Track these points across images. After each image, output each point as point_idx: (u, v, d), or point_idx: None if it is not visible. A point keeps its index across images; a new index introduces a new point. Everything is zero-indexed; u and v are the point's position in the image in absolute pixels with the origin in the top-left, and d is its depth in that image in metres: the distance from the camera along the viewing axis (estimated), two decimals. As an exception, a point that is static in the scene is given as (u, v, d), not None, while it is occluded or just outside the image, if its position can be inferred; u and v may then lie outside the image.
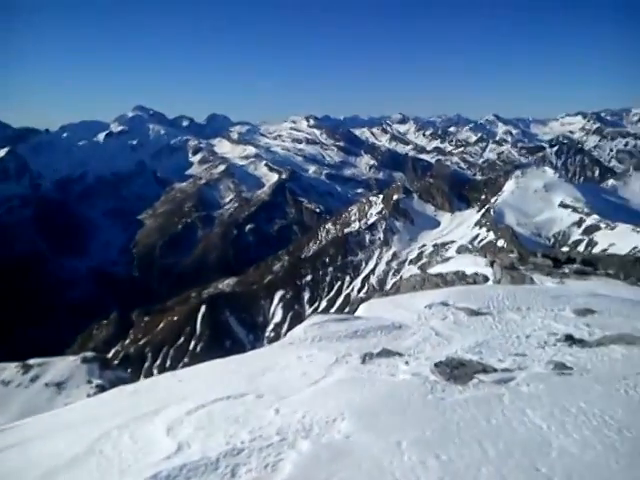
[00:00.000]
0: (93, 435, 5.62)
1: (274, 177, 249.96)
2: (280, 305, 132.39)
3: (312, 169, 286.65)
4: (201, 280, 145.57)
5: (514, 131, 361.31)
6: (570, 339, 7.62)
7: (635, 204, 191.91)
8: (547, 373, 6.01)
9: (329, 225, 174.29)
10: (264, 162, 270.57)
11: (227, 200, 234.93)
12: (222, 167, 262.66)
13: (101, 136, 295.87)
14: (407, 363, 6.89)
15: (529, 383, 5.58)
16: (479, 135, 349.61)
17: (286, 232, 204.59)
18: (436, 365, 6.34)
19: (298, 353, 8.25)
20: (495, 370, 6.17)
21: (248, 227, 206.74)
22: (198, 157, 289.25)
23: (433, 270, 33.41)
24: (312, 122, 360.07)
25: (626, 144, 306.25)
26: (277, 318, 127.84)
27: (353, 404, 5.35)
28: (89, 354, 48.30)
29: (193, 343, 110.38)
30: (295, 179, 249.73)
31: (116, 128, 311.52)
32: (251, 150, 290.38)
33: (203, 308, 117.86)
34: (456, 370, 6.13)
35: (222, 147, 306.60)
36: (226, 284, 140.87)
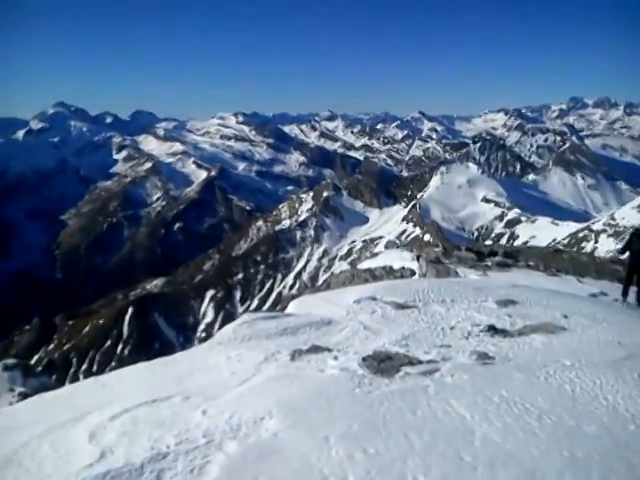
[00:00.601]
0: (10, 446, 5.33)
1: (203, 174, 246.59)
2: (211, 305, 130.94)
3: (242, 166, 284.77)
4: (128, 281, 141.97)
5: (439, 128, 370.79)
6: (492, 329, 7.84)
7: (554, 198, 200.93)
8: (470, 363, 6.16)
9: (260, 223, 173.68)
10: (192, 159, 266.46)
11: (154, 198, 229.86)
12: (148, 164, 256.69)
13: (20, 133, 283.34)
14: (336, 358, 6.90)
15: (453, 374, 5.69)
16: (405, 132, 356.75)
17: (216, 230, 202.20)
18: (364, 359, 6.38)
19: (227, 353, 8.11)
20: (421, 362, 6.26)
21: (177, 226, 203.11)
22: (123, 154, 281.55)
23: (362, 266, 33.88)
24: (241, 119, 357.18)
25: (546, 140, 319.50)
26: (208, 318, 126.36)
27: (281, 402, 5.30)
28: (10, 361, 46.03)
29: (120, 346, 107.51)
30: (224, 176, 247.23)
31: (36, 125, 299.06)
32: (178, 147, 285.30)
33: (130, 310, 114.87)
34: (383, 363, 6.18)
35: (148, 144, 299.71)
36: (154, 285, 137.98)
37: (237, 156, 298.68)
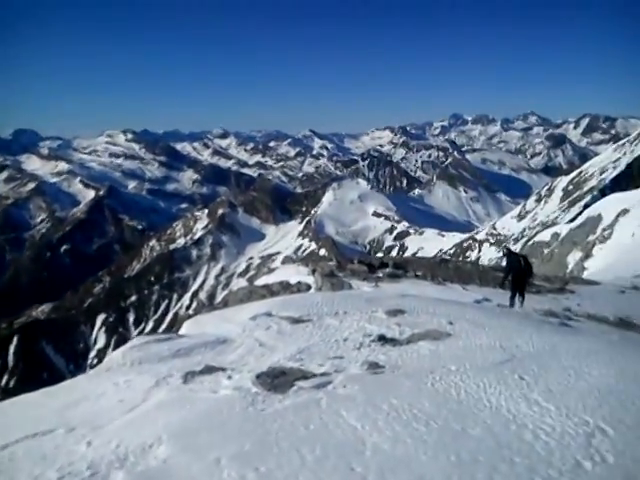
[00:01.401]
0: None
1: (91, 194, 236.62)
2: (103, 329, 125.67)
3: (132, 185, 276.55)
4: (12, 309, 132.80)
5: (329, 145, 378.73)
6: (383, 339, 8.02)
7: (439, 210, 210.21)
8: (362, 373, 6.25)
9: (153, 242, 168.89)
10: (79, 178, 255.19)
11: (38, 220, 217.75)
12: (32, 185, 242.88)
13: None
14: (230, 377, 6.78)
15: (345, 385, 5.75)
16: (298, 149, 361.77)
17: (106, 251, 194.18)
18: (258, 377, 6.31)
19: (115, 379, 7.77)
20: (315, 375, 6.28)
21: (64, 248, 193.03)
22: (4, 175, 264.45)
23: (260, 282, 33.66)
24: (130, 136, 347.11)
25: (429, 155, 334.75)
26: (100, 343, 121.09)
27: (171, 426, 5.12)
28: None
29: (5, 378, 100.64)
30: (114, 195, 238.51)
31: None
32: (64, 166, 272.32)
33: (15, 339, 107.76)
34: (277, 379, 6.14)
35: (31, 164, 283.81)
36: (41, 311, 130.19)
37: (127, 174, 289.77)
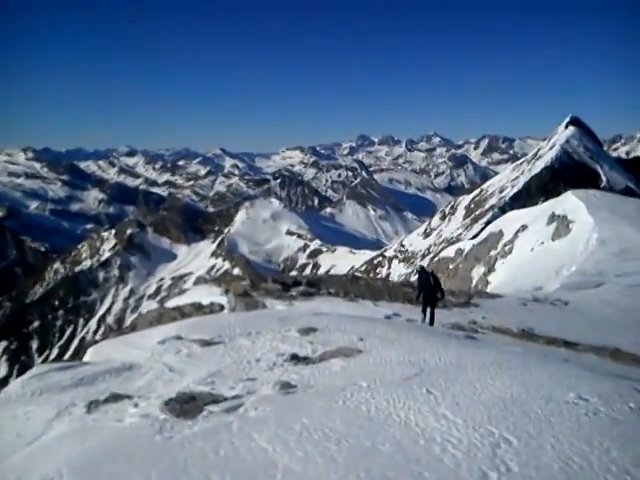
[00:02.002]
0: None
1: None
2: (4, 358, 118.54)
3: (34, 205, 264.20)
4: None
5: (240, 164, 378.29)
6: (295, 358, 7.99)
7: (350, 229, 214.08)
8: (274, 394, 6.18)
9: (57, 264, 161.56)
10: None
11: None
12: None
13: None
14: (136, 405, 6.52)
15: (257, 407, 5.66)
16: (208, 168, 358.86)
17: (7, 275, 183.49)
18: (166, 403, 6.10)
19: (13, 411, 7.28)
20: (226, 399, 6.15)
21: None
22: None
23: (170, 303, 32.81)
24: (30, 155, 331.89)
25: (339, 175, 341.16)
26: (1, 373, 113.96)
27: (73, 459, 4.85)
28: None
29: None
30: (15, 216, 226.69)
31: None
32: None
33: None
34: (186, 405, 5.97)
35: None
36: None
37: (28, 194, 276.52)
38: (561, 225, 42.39)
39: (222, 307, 24.04)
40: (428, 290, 14.93)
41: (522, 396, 5.58)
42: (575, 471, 3.94)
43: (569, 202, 45.64)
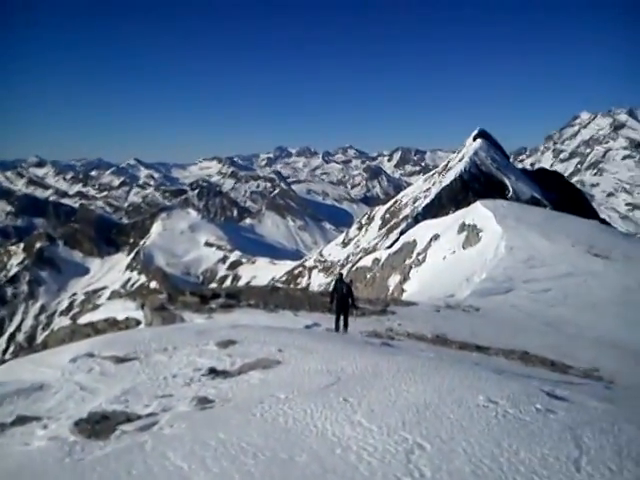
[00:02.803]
0: None
1: None
2: None
3: None
4: None
5: (156, 175, 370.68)
6: (213, 372, 7.89)
7: (270, 239, 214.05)
8: (190, 410, 6.07)
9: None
10: None
11: None
12: None
13: None
14: (45, 427, 6.23)
15: (172, 424, 5.53)
16: (122, 179, 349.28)
17: None
18: (76, 423, 5.87)
19: None
20: (139, 417, 5.98)
21: None
22: None
23: (83, 320, 31.59)
24: None
25: (258, 186, 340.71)
26: None
27: (-25, 489, 4.59)
28: None
29: None
30: None
31: None
32: None
33: None
34: (98, 425, 5.76)
35: None
36: None
37: None
38: (471, 234, 43.99)
39: (138, 322, 23.40)
40: (340, 298, 15.45)
41: (435, 401, 5.74)
42: (485, 473, 4.08)
43: (478, 212, 47.49)
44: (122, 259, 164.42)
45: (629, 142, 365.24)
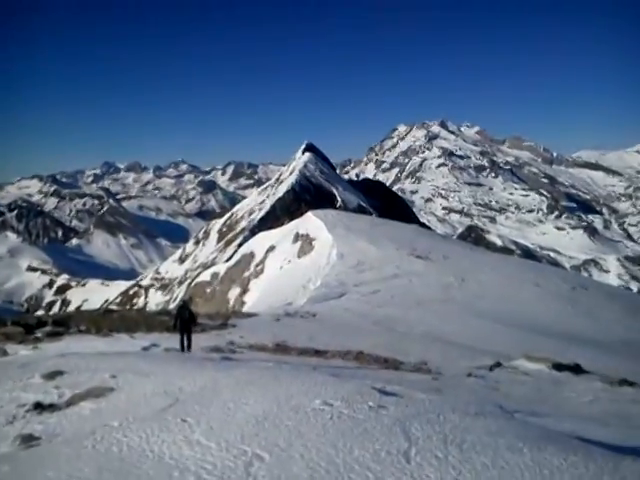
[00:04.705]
0: None
1: None
2: None
3: None
4: None
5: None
6: (39, 406, 7.34)
7: (101, 259, 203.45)
8: (13, 450, 5.61)
9: None
10: None
11: None
12: None
13: None
14: None
15: (-9, 470, 5.07)
16: None
17: None
18: None
19: None
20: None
21: None
22: None
23: None
24: None
25: (84, 204, 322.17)
26: None
27: None
28: None
29: None
30: None
31: None
32: None
33: None
34: None
35: None
36: None
37: None
38: (305, 243, 45.37)
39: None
40: (183, 322, 15.87)
41: (273, 410, 5.84)
42: (322, 476, 4.23)
43: (310, 222, 49.09)
44: None
45: (442, 151, 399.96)
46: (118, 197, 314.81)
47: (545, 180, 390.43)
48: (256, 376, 8.04)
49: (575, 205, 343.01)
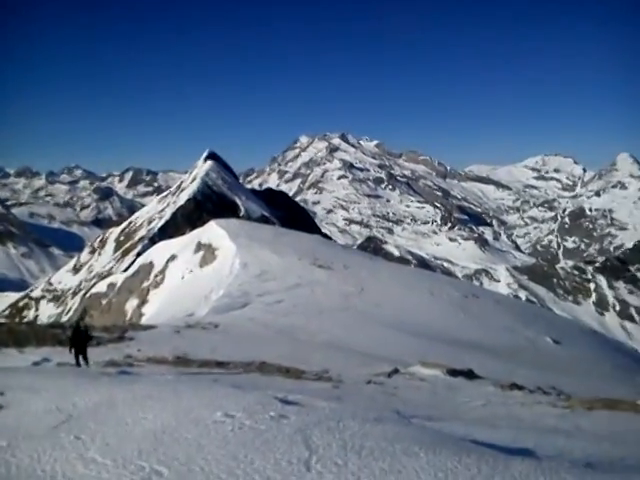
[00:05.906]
0: None
1: None
2: None
3: None
4: None
5: None
6: None
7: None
8: None
9: None
10: None
11: None
12: None
13: None
14: None
15: None
16: None
17: None
18: None
19: None
20: None
21: None
22: None
23: None
24: None
25: None
26: None
27: None
28: None
29: None
30: None
31: None
32: None
33: None
34: None
35: None
36: None
37: None
38: (207, 252, 44.82)
39: None
40: (79, 339, 15.42)
41: (172, 424, 5.75)
42: (222, 489, 4.23)
43: (213, 231, 48.58)
44: None
45: (343, 163, 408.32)
46: (7, 204, 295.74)
47: (439, 193, 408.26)
48: (155, 390, 7.87)
49: (467, 217, 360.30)
